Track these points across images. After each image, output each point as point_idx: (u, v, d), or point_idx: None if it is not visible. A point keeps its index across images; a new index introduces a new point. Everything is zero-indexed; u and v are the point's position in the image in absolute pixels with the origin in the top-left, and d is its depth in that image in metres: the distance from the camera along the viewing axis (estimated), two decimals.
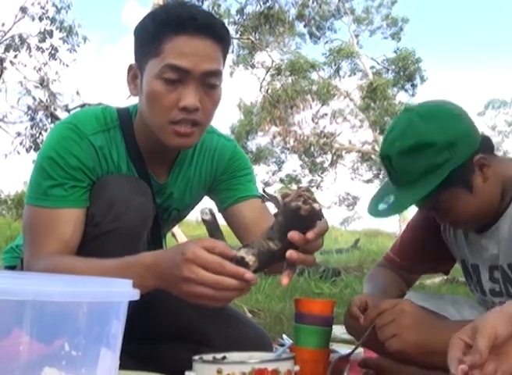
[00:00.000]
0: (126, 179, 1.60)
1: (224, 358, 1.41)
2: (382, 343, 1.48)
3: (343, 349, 2.09)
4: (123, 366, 1.22)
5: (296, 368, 1.39)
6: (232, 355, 1.42)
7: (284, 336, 2.26)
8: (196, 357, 1.36)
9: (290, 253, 1.19)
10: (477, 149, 1.53)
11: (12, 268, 1.79)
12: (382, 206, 1.60)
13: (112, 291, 0.82)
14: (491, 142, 1.61)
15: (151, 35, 1.48)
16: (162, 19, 1.47)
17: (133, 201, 1.53)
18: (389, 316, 1.47)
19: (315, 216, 1.20)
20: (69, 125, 1.57)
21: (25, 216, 1.58)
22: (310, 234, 1.19)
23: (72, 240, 1.51)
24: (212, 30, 1.48)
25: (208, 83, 1.49)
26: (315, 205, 1.19)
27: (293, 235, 1.18)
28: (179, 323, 1.63)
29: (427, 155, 1.51)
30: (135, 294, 0.84)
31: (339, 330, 2.50)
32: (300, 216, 1.18)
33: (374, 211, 1.62)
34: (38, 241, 1.52)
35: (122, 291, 0.83)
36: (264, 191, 1.28)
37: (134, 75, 1.56)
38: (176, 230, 8.74)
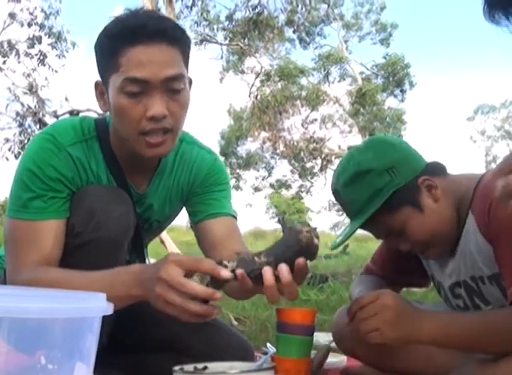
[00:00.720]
0: (106, 189, 1.60)
1: (205, 368, 1.41)
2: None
3: (328, 357, 2.10)
4: None
5: None
6: (214, 365, 1.42)
7: (268, 344, 2.26)
8: (176, 368, 1.36)
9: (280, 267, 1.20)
10: (420, 171, 1.59)
11: None
12: (338, 238, 1.67)
13: (87, 307, 0.83)
14: (441, 165, 1.66)
15: (107, 50, 1.48)
16: (114, 32, 1.46)
17: (113, 211, 1.53)
18: (371, 309, 1.49)
19: (311, 248, 1.24)
20: (47, 136, 1.57)
21: (6, 229, 1.58)
22: (301, 260, 1.21)
23: (53, 251, 1.51)
24: (164, 34, 1.45)
25: (172, 88, 1.47)
26: (315, 240, 1.23)
27: (282, 267, 1.20)
28: (162, 334, 1.63)
29: (368, 181, 1.58)
30: (109, 309, 0.84)
31: (323, 338, 2.51)
32: (299, 241, 1.22)
33: (332, 243, 1.71)
34: (20, 253, 1.52)
35: (96, 307, 0.84)
36: (283, 218, 1.33)
37: (101, 91, 1.55)
38: (165, 236, 8.74)
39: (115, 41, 1.44)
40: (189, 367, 1.39)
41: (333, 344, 1.97)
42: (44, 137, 1.57)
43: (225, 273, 1.21)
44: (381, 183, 1.57)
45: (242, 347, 1.75)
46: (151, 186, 1.70)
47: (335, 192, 1.68)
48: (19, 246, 1.53)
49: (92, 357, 0.87)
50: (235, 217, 1.75)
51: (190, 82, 1.56)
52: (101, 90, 1.55)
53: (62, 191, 1.55)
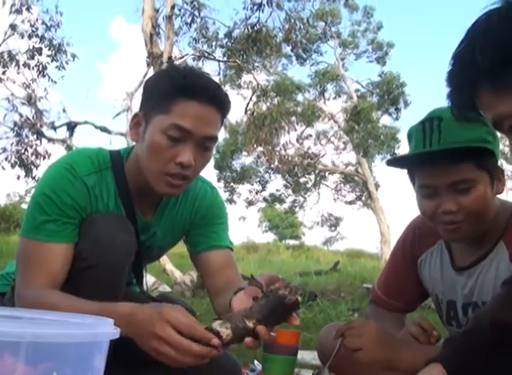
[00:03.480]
0: (111, 217, 1.74)
1: None
2: (349, 365, 1.67)
3: None
4: None
5: None
6: None
7: (256, 361, 2.39)
8: None
9: (260, 328, 1.34)
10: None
11: (2, 295, 1.91)
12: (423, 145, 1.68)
13: (97, 332, 0.97)
14: None
15: (164, 93, 1.65)
16: (179, 82, 1.63)
17: (117, 238, 1.67)
18: (357, 330, 1.66)
19: (295, 307, 1.38)
20: (66, 165, 1.72)
21: (19, 247, 1.72)
22: (295, 319, 1.39)
23: (60, 274, 1.65)
24: (219, 100, 1.67)
25: (205, 145, 1.68)
26: (298, 299, 1.38)
27: (261, 329, 1.34)
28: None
29: (479, 129, 1.63)
30: (116, 334, 0.98)
31: (308, 356, 2.64)
32: (284, 304, 1.36)
33: (391, 159, 1.79)
34: (29, 272, 1.66)
35: (105, 332, 0.98)
36: (252, 276, 1.47)
37: (138, 123, 1.72)
38: None
39: (175, 90, 1.63)
40: None
41: (316, 361, 2.09)
42: (63, 166, 1.72)
43: (215, 342, 1.31)
44: (487, 137, 1.63)
45: (230, 364, 1.87)
46: (157, 215, 1.86)
47: (435, 118, 1.67)
48: (29, 265, 1.67)
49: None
50: (231, 249, 1.93)
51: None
52: (138, 121, 1.72)
53: (75, 218, 1.69)
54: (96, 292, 1.60)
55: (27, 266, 1.68)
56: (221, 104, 1.68)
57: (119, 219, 1.75)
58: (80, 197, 1.70)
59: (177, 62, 10.06)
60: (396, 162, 1.80)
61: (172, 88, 1.64)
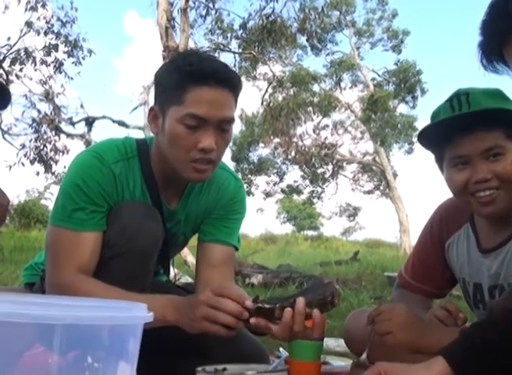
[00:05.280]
0: (138, 205, 1.76)
1: (225, 369, 1.55)
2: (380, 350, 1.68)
3: (336, 361, 2.23)
4: None
5: None
6: (233, 367, 1.56)
7: (281, 349, 2.38)
8: (199, 368, 1.51)
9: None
10: None
11: (31, 285, 1.94)
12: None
13: (131, 315, 0.98)
14: None
15: (174, 84, 1.66)
16: (187, 70, 1.64)
17: (144, 226, 1.70)
18: (386, 315, 1.68)
19: (331, 306, 1.48)
20: (94, 153, 1.74)
21: (49, 236, 1.75)
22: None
23: (90, 261, 1.68)
24: (229, 81, 1.68)
25: (223, 128, 1.68)
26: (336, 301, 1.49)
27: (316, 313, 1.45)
28: (183, 338, 1.78)
29: (505, 102, 1.68)
30: (150, 318, 0.99)
31: (332, 343, 2.64)
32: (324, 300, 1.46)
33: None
34: (60, 261, 1.68)
35: (139, 315, 0.99)
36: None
37: (155, 116, 1.73)
38: None
39: (184, 78, 1.64)
40: (210, 368, 1.53)
41: (340, 348, 2.10)
42: (91, 154, 1.74)
43: (248, 304, 1.44)
44: None
45: (258, 351, 1.88)
46: (181, 203, 1.87)
47: (462, 94, 1.70)
48: (61, 252, 1.69)
49: (135, 358, 1.01)
50: (237, 249, 1.95)
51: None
52: (155, 114, 1.73)
53: (103, 206, 1.71)
54: (123, 280, 1.62)
55: (58, 255, 1.70)
56: (232, 84, 1.69)
57: (146, 207, 1.76)
58: (107, 184, 1.72)
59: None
60: (427, 134, 1.78)
61: (181, 78, 1.65)
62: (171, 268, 2.06)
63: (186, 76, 1.64)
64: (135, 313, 0.99)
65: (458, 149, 1.70)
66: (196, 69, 1.64)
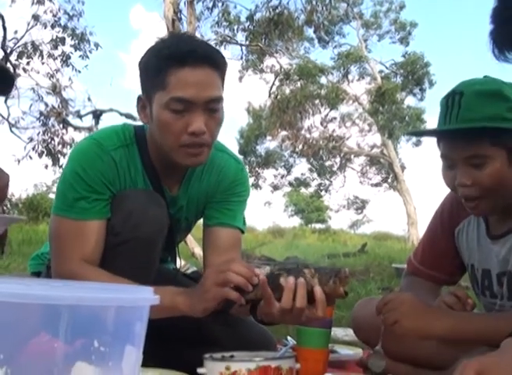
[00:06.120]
0: (142, 192, 1.75)
1: (232, 356, 1.53)
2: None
3: (344, 350, 2.23)
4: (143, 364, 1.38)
5: (298, 366, 1.53)
6: (240, 354, 1.54)
7: (289, 337, 2.38)
8: (207, 355, 1.50)
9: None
10: None
11: (37, 274, 1.94)
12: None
13: (137, 297, 0.97)
14: None
15: (155, 70, 1.63)
16: (165, 54, 1.61)
17: (149, 213, 1.68)
18: (392, 305, 1.67)
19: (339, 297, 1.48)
20: (93, 141, 1.73)
21: (52, 226, 1.74)
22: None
23: (95, 250, 1.66)
24: (211, 59, 1.63)
25: (211, 108, 1.64)
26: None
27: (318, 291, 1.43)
28: (190, 326, 1.76)
29: (499, 106, 1.63)
30: (156, 300, 0.98)
31: (340, 333, 2.64)
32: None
33: (409, 131, 1.83)
34: (64, 250, 1.67)
35: (145, 297, 0.98)
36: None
37: (143, 105, 1.71)
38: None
39: (164, 62, 1.60)
40: (217, 355, 1.52)
41: (348, 338, 2.10)
42: (90, 141, 1.73)
43: (256, 270, 1.43)
44: (507, 115, 1.63)
45: (265, 338, 1.88)
46: (182, 188, 1.84)
47: (457, 93, 1.68)
48: (65, 242, 1.68)
49: (141, 342, 1.00)
50: (242, 231, 1.91)
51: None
52: (143, 104, 1.70)
53: (105, 193, 1.69)
54: (129, 268, 1.62)
55: (62, 245, 1.69)
56: (213, 62, 1.63)
57: (149, 194, 1.75)
58: (108, 171, 1.70)
59: None
60: (417, 134, 1.83)
61: (161, 62, 1.61)
62: (177, 256, 2.04)
63: (165, 59, 1.60)
64: (141, 295, 0.98)
65: (444, 151, 1.72)
66: (174, 51, 1.60)
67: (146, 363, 1.46)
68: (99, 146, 1.70)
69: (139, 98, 1.72)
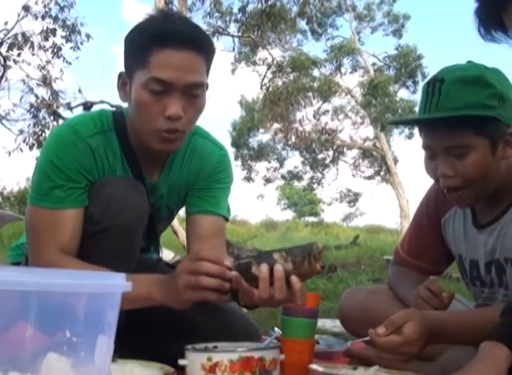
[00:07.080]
0: (121, 179, 1.70)
1: (215, 347, 1.50)
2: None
3: (331, 341, 2.21)
4: (120, 355, 1.35)
5: (282, 356, 1.49)
6: (223, 345, 1.52)
7: (276, 329, 2.36)
8: (189, 346, 1.46)
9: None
10: None
11: (17, 264, 1.89)
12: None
13: (108, 283, 0.93)
14: None
15: (138, 47, 1.58)
16: (149, 33, 1.56)
17: (129, 200, 1.63)
18: (399, 350, 1.51)
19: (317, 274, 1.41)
20: (68, 127, 1.68)
21: (27, 216, 1.69)
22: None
23: (72, 239, 1.62)
24: (196, 43, 1.57)
25: (191, 93, 1.58)
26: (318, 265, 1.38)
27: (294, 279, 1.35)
28: (171, 315, 1.73)
29: (480, 92, 1.58)
30: (128, 286, 0.94)
31: (329, 324, 2.61)
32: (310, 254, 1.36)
33: (392, 120, 1.81)
34: (40, 241, 1.62)
35: (117, 284, 0.94)
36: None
37: (124, 82, 1.66)
38: (178, 227, 8.84)
39: (147, 40, 1.55)
40: (200, 346, 1.49)
41: (336, 329, 2.08)
42: (65, 128, 1.68)
43: (227, 262, 1.38)
44: (488, 102, 1.58)
45: (250, 329, 1.84)
46: (163, 175, 1.80)
47: (438, 80, 1.63)
48: (40, 232, 1.63)
49: (113, 331, 0.96)
50: (227, 219, 1.86)
51: (207, 87, 1.65)
52: (123, 81, 1.65)
53: (81, 182, 1.64)
54: (109, 256, 1.57)
55: (38, 236, 1.64)
56: (199, 46, 1.58)
57: (129, 181, 1.70)
58: (85, 159, 1.65)
59: None
60: (399, 123, 1.80)
61: (145, 40, 1.56)
62: (159, 247, 2.00)
63: (150, 38, 1.55)
64: (113, 281, 0.94)
65: (425, 141, 1.68)
66: (158, 30, 1.55)
67: (125, 354, 1.44)
68: (75, 133, 1.65)
69: (120, 75, 1.67)
